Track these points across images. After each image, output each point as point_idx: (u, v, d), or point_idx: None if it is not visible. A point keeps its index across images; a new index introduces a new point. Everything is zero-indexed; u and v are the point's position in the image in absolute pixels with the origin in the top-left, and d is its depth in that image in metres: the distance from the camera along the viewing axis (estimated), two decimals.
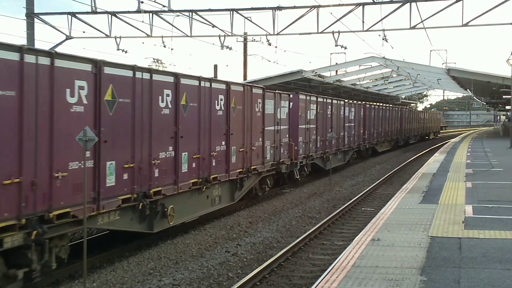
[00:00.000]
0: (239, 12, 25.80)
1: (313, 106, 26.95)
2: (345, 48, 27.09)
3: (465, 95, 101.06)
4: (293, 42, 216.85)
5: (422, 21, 24.84)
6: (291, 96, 24.22)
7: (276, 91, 22.46)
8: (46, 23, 26.78)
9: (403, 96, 79.25)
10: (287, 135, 23.20)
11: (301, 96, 25.39)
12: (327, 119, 29.64)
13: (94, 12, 25.73)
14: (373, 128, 41.78)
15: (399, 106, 58.55)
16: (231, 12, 25.67)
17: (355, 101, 37.89)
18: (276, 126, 21.81)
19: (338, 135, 31.26)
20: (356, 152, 37.44)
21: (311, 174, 27.93)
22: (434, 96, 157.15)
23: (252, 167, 19.39)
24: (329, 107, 30.01)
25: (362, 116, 38.47)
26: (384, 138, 46.12)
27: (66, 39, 27.18)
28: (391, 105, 50.92)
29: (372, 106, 42.47)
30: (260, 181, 20.94)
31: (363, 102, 40.73)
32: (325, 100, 29.42)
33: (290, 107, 23.76)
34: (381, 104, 47.03)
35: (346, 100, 34.96)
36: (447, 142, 51.48)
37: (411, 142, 60.78)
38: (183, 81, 14.74)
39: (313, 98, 27.29)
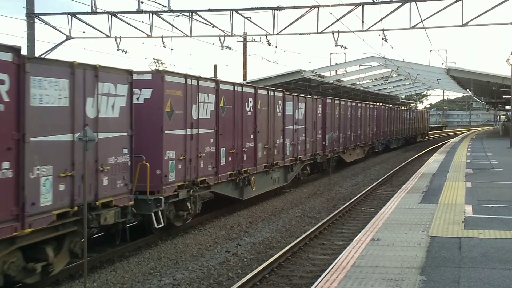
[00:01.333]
0: (239, 12, 25.83)
1: (207, 98, 16.31)
2: (345, 48, 27.13)
3: (465, 95, 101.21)
4: (293, 42, 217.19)
5: (421, 21, 24.87)
6: (136, 77, 13.20)
7: (77, 62, 11.01)
8: (46, 23, 26.80)
9: (403, 96, 79.38)
10: (128, 150, 12.68)
11: (172, 79, 14.46)
12: (246, 119, 19.11)
13: (94, 12, 25.76)
14: (339, 132, 31.89)
15: (374, 103, 46.83)
16: (231, 12, 25.70)
17: (306, 95, 27.38)
18: (76, 135, 10.61)
19: (271, 143, 21.33)
20: (310, 165, 27.56)
21: (213, 209, 18.26)
22: (434, 96, 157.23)
23: None
24: (250, 100, 19.46)
25: (319, 116, 28.45)
26: (355, 143, 36.36)
27: (66, 40, 27.22)
28: (363, 102, 40.83)
29: (336, 101, 32.07)
30: (33, 252, 10.31)
31: (321, 97, 30.40)
32: (238, 89, 18.50)
33: (148, 97, 14.01)
34: (348, 100, 37.13)
35: (288, 92, 24.65)
36: (446, 142, 51.45)
37: (392, 147, 50.89)
38: None
39: (207, 85, 16.32)
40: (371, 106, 42.95)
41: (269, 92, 21.42)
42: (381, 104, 49.54)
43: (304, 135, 25.65)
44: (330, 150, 29.79)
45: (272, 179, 21.82)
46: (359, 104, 38.15)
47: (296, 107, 24.58)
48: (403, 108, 61.47)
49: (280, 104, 22.54)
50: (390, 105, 54.68)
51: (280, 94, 22.69)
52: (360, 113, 37.78)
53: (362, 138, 38.30)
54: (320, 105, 28.72)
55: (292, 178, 24.38)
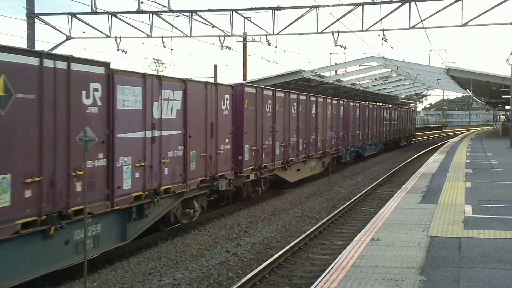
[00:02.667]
0: (239, 12, 25.84)
1: None
2: (345, 48, 27.13)
3: (464, 95, 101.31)
4: (292, 42, 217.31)
5: (421, 21, 24.89)
6: None
7: None
8: (46, 23, 26.82)
9: (402, 96, 79.38)
10: None
11: None
12: None
13: (94, 12, 25.78)
14: (273, 138, 21.64)
15: (340, 99, 33.99)
16: (231, 12, 25.71)
17: (187, 79, 15.55)
18: None
19: (60, 171, 10.37)
20: (207, 196, 17.19)
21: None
22: (434, 96, 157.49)
23: None
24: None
25: (227, 113, 17.90)
26: (306, 154, 25.56)
27: (66, 40, 27.25)
28: (320, 96, 29.16)
29: (266, 93, 21.14)
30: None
31: (231, 84, 18.93)
32: None
33: None
34: (292, 91, 25.20)
35: (124, 69, 12.47)
36: (446, 142, 51.43)
37: (366, 155, 40.73)
38: None
39: None
40: (334, 102, 31.25)
41: (50, 61, 10.15)
42: (349, 100, 37.19)
43: (181, 147, 15.02)
44: (255, 167, 19.95)
45: (69, 245, 10.79)
46: (313, 99, 27.00)
47: (156, 98, 13.73)
48: (380, 105, 50.88)
49: (99, 91, 11.50)
50: (363, 102, 43.84)
51: (100, 71, 11.56)
52: (316, 111, 27.25)
53: (319, 146, 27.67)
54: (227, 96, 17.92)
55: (142, 230, 13.51)
